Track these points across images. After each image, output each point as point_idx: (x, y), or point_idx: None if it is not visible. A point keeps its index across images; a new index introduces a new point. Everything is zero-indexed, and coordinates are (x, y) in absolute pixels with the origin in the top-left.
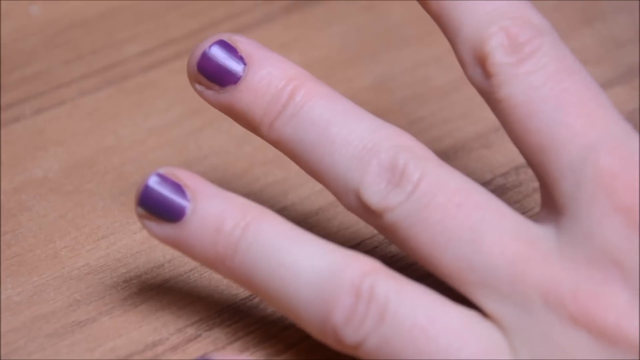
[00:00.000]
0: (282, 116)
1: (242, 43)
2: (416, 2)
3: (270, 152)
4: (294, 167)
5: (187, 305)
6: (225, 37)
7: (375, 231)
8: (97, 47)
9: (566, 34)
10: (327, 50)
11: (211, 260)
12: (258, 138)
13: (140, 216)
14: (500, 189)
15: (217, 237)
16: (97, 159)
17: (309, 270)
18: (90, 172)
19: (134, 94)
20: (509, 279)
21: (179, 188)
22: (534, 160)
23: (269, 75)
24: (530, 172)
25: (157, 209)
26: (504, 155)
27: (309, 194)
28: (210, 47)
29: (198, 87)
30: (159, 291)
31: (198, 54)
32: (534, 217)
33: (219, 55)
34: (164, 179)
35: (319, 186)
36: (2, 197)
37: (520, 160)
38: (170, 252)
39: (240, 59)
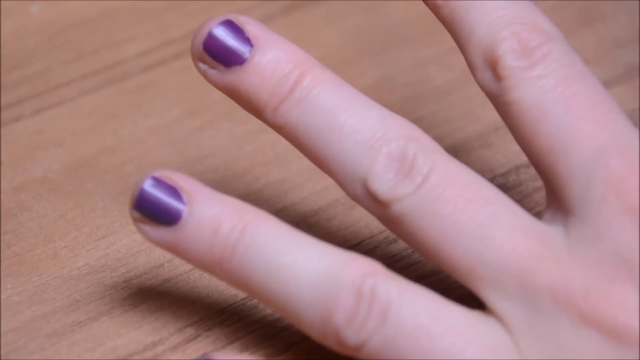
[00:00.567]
0: (288, 100)
1: (249, 24)
2: (416, 2)
3: (270, 152)
4: (294, 167)
5: (187, 305)
6: (232, 17)
7: (376, 231)
8: (97, 47)
9: (566, 34)
10: (327, 50)
11: (208, 263)
12: (258, 138)
13: (135, 220)
14: (500, 189)
15: (214, 240)
16: (97, 159)
17: (308, 271)
18: (90, 172)
19: (133, 94)
20: (519, 276)
21: (174, 191)
22: (542, 163)
23: (277, 58)
24: (530, 172)
25: (153, 212)
26: (504, 155)
27: (309, 194)
28: (217, 25)
29: (201, 65)
30: (159, 291)
31: (204, 32)
32: (536, 217)
33: (226, 34)
34: (159, 182)
35: (319, 186)
36: (2, 197)
37: (520, 160)
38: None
39: (247, 40)
